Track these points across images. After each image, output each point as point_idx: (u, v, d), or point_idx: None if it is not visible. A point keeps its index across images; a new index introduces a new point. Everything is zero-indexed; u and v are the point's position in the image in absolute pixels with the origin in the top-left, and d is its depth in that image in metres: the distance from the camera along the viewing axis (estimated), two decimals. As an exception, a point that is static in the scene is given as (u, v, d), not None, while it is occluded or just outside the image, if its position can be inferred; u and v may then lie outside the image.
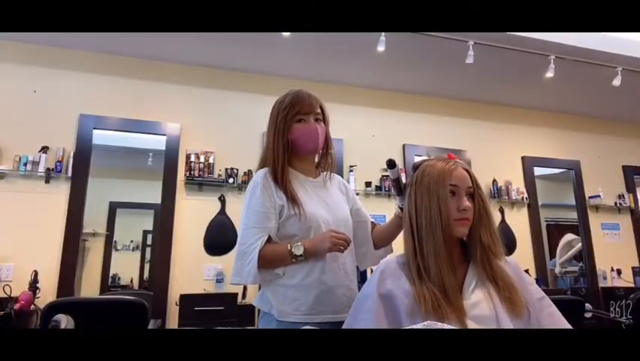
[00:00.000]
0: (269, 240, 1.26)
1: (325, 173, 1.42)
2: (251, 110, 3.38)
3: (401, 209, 1.26)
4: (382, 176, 3.54)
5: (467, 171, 1.04)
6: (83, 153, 2.92)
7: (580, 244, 4.00)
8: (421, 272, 0.98)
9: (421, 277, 0.98)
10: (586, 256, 3.99)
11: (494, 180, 3.87)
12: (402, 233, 1.11)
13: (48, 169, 2.82)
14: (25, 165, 2.78)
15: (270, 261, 1.25)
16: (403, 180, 1.25)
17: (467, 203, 1.00)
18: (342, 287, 1.29)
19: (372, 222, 1.49)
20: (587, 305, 2.05)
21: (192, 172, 3.09)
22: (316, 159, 1.43)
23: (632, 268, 4.05)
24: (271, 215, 1.28)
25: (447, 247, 0.99)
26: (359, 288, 1.12)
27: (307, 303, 1.24)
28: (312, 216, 1.28)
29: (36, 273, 2.60)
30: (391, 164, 1.18)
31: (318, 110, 1.36)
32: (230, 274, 1.29)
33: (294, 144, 1.34)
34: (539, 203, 4.00)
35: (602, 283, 3.92)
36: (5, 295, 2.50)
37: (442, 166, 1.03)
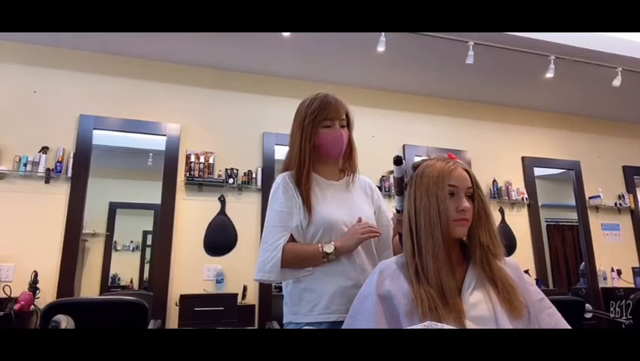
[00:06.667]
0: (291, 239, 1.29)
1: (348, 176, 1.43)
2: (251, 110, 3.38)
3: (398, 211, 1.25)
4: (382, 176, 3.54)
5: (467, 171, 1.04)
6: (83, 153, 2.92)
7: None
8: (419, 273, 0.98)
9: (418, 278, 0.98)
10: (586, 256, 4.00)
11: (494, 181, 3.87)
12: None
13: (48, 169, 2.82)
14: (25, 165, 2.78)
15: (299, 259, 1.27)
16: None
17: (466, 204, 1.00)
18: (359, 287, 1.29)
19: (394, 227, 1.48)
20: (587, 306, 2.05)
21: (192, 172, 3.09)
22: (340, 163, 1.45)
23: (632, 268, 4.05)
24: (293, 215, 1.31)
25: (446, 247, 0.99)
26: None
27: (321, 303, 1.26)
28: (325, 221, 1.30)
29: (36, 273, 2.60)
30: (398, 160, 1.15)
31: (344, 116, 1.38)
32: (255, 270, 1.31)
33: (319, 149, 1.37)
34: (539, 203, 4.00)
35: (602, 284, 3.92)
36: (5, 296, 2.50)
37: (441, 166, 1.02)
